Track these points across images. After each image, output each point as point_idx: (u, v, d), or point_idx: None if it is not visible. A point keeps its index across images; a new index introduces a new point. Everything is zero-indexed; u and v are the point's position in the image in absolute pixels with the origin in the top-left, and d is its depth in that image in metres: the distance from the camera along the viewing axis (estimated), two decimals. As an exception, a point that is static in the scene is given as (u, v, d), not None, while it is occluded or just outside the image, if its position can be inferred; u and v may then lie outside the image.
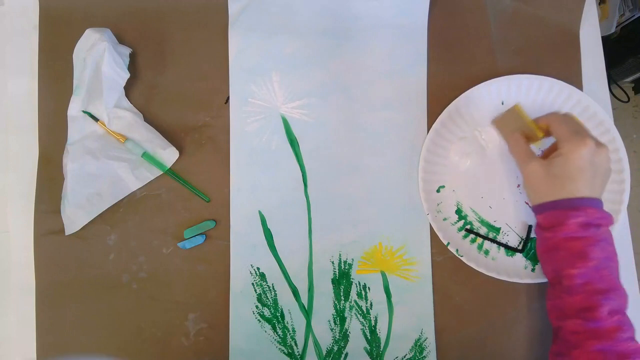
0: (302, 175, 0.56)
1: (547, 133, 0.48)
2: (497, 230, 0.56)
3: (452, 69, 0.58)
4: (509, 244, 0.56)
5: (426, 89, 0.57)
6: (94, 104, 0.54)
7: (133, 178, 0.55)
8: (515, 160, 0.49)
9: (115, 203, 0.55)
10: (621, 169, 0.54)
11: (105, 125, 0.55)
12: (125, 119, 0.55)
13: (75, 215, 0.54)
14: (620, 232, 0.54)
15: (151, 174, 0.56)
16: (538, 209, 0.46)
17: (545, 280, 0.54)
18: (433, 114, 0.56)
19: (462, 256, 0.54)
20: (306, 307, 0.55)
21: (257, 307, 0.55)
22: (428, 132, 0.56)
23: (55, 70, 0.57)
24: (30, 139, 0.57)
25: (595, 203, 0.44)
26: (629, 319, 0.43)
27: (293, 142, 0.57)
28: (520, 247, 0.55)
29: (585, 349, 0.41)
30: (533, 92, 0.56)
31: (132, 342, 0.55)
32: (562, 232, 0.43)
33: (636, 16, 0.95)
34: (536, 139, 0.49)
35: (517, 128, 0.50)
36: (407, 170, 0.56)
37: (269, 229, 0.56)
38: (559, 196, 0.43)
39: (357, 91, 0.57)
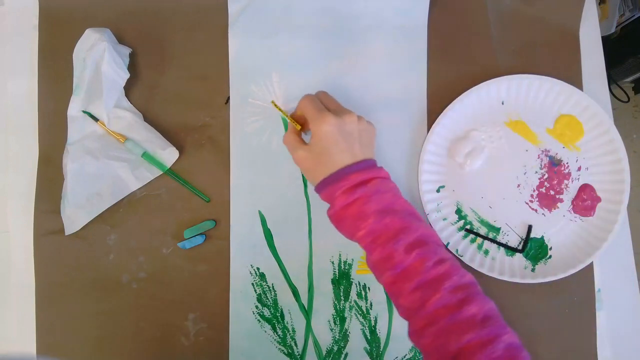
0: (302, 175, 0.56)
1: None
2: (497, 230, 0.56)
3: (452, 69, 0.58)
4: (509, 244, 0.56)
5: (426, 89, 0.57)
6: (94, 104, 0.54)
7: (133, 178, 0.55)
8: (289, 151, 0.50)
9: (115, 203, 0.55)
10: (621, 169, 0.54)
11: (105, 125, 0.55)
12: (125, 119, 0.55)
13: (75, 215, 0.54)
14: (620, 232, 0.54)
15: (151, 174, 0.56)
16: (317, 191, 0.47)
17: (545, 280, 0.54)
18: (433, 114, 0.56)
19: (462, 256, 0.54)
20: (306, 307, 0.55)
21: (257, 307, 0.55)
22: (428, 132, 0.56)
23: (55, 70, 0.57)
24: (30, 139, 0.57)
25: (358, 166, 0.45)
26: (435, 244, 0.44)
27: (293, 142, 0.57)
28: (520, 247, 0.55)
29: (404, 294, 0.42)
30: (533, 92, 0.56)
31: (132, 342, 0.55)
32: (337, 204, 0.44)
33: (636, 16, 0.95)
34: (300, 129, 0.51)
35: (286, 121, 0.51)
36: (407, 170, 0.56)
37: (269, 229, 0.56)
38: (325, 174, 0.45)
39: (357, 91, 0.57)
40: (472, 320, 0.39)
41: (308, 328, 0.55)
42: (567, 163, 0.56)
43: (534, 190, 0.56)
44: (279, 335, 0.55)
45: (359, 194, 0.44)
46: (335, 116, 0.45)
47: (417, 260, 0.42)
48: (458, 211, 0.56)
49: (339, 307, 0.55)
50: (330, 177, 0.45)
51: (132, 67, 0.57)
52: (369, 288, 0.56)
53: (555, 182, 0.56)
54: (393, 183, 0.47)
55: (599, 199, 0.55)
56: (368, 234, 0.44)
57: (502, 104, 0.56)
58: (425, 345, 0.41)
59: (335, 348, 0.55)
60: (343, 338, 0.55)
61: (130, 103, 0.57)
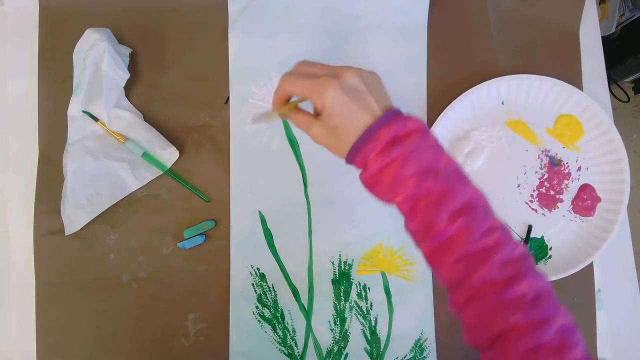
0: (302, 176, 0.56)
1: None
2: (497, 230, 0.56)
3: (452, 69, 0.58)
4: (509, 244, 0.56)
5: (426, 89, 0.57)
6: (94, 104, 0.54)
7: (133, 178, 0.55)
8: (303, 131, 0.44)
9: (115, 203, 0.55)
10: (621, 169, 0.54)
11: (105, 125, 0.55)
12: (125, 119, 0.55)
13: (75, 215, 0.54)
14: (620, 232, 0.54)
15: (151, 174, 0.56)
16: (348, 162, 0.41)
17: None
18: (433, 114, 0.56)
19: (462, 256, 0.54)
20: (306, 307, 0.55)
21: (257, 307, 0.55)
22: (428, 132, 0.56)
23: (55, 70, 0.57)
24: (30, 139, 0.57)
25: (382, 121, 0.39)
26: (483, 208, 0.38)
27: (293, 143, 0.57)
28: (520, 247, 0.55)
29: (445, 265, 0.38)
30: (533, 92, 0.56)
31: (132, 342, 0.55)
32: (370, 168, 0.39)
33: (636, 16, 0.95)
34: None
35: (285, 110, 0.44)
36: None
37: (269, 229, 0.56)
38: (350, 142, 0.39)
39: (357, 91, 0.57)
40: (521, 300, 0.35)
41: (308, 328, 0.55)
42: (567, 163, 0.56)
43: (534, 190, 0.56)
44: (279, 336, 0.55)
45: (395, 154, 0.38)
46: (332, 78, 0.39)
47: (462, 230, 0.37)
48: (458, 211, 0.56)
49: (339, 307, 0.55)
50: (357, 143, 0.39)
51: (132, 67, 0.57)
52: (369, 288, 0.56)
53: (555, 182, 0.56)
54: (433, 136, 0.40)
55: (599, 199, 0.55)
56: (407, 200, 0.38)
57: (502, 104, 0.56)
58: (466, 320, 0.38)
59: (336, 348, 0.55)
60: (343, 338, 0.55)
61: (130, 103, 0.57)
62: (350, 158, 0.41)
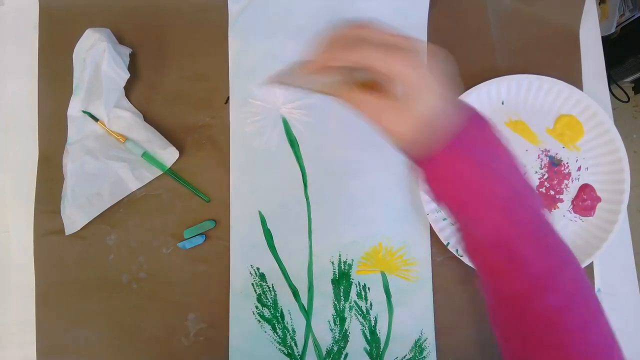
0: (302, 176, 0.56)
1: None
2: (497, 230, 0.56)
3: (452, 69, 0.57)
4: (509, 244, 0.56)
5: (426, 89, 0.57)
6: (94, 104, 0.54)
7: (133, 178, 0.55)
8: (367, 118, 0.36)
9: (115, 203, 0.55)
10: (621, 169, 0.54)
11: (105, 125, 0.55)
12: (125, 119, 0.55)
13: (75, 215, 0.54)
14: (620, 232, 0.54)
15: (151, 174, 0.56)
16: (420, 163, 0.35)
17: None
18: (433, 114, 0.56)
19: (462, 256, 0.54)
20: (306, 307, 0.55)
21: (257, 307, 0.55)
22: (428, 132, 0.56)
23: (55, 70, 0.57)
24: (30, 139, 0.57)
25: (475, 117, 0.34)
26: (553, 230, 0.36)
27: (293, 143, 0.57)
28: (520, 247, 0.55)
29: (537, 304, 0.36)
30: (533, 92, 0.56)
31: (132, 342, 0.55)
32: (458, 166, 0.33)
33: (636, 16, 0.96)
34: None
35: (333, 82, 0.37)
36: (407, 170, 0.56)
37: (268, 229, 0.56)
38: (441, 132, 0.33)
39: (357, 91, 0.57)
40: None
41: (308, 328, 0.55)
42: (567, 163, 0.56)
43: (534, 190, 0.56)
44: (278, 336, 0.55)
45: (488, 163, 0.34)
46: (411, 55, 0.33)
47: (552, 267, 0.35)
48: (458, 211, 0.56)
49: (339, 307, 0.55)
50: (454, 136, 0.33)
51: (132, 67, 0.57)
52: (369, 288, 0.56)
53: (555, 182, 0.56)
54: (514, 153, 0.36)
55: (599, 199, 0.55)
56: (495, 227, 0.35)
57: (502, 104, 0.56)
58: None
59: (335, 348, 0.55)
60: (343, 338, 0.55)
61: (130, 103, 0.57)
62: (432, 155, 0.34)
